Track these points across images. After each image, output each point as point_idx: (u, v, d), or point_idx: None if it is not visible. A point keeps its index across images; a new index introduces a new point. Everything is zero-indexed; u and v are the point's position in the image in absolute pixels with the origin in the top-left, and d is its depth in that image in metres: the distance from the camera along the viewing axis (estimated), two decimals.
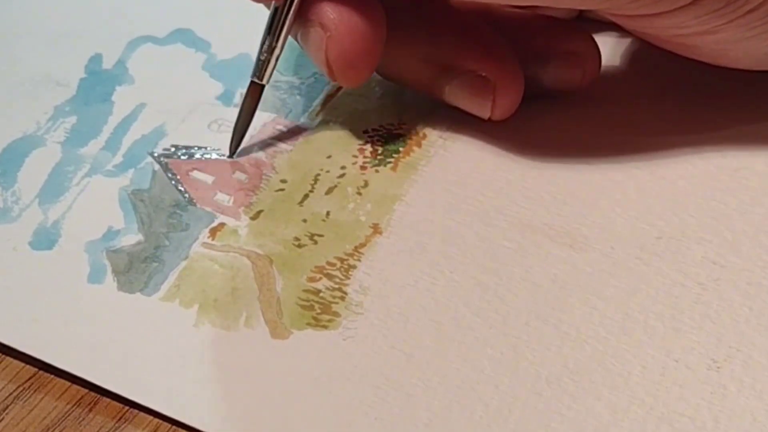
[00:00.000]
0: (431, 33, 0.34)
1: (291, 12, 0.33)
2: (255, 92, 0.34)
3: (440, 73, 0.34)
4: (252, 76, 0.34)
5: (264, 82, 0.34)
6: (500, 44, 0.34)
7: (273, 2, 0.33)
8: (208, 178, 0.34)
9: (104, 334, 0.30)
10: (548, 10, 0.35)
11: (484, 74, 0.34)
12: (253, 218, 0.33)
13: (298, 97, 0.36)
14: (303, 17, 0.33)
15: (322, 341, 0.29)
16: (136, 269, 0.31)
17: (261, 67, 0.34)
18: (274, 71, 0.34)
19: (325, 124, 0.36)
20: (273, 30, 0.33)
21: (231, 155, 0.35)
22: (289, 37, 0.33)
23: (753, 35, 0.31)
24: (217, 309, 0.30)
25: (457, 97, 0.34)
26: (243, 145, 0.35)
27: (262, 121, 0.36)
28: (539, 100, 0.35)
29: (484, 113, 0.34)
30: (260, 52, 0.33)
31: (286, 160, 0.34)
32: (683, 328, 0.29)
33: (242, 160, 0.34)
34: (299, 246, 0.32)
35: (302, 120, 0.36)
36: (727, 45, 0.32)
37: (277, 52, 0.33)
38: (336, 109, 0.36)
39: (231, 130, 0.35)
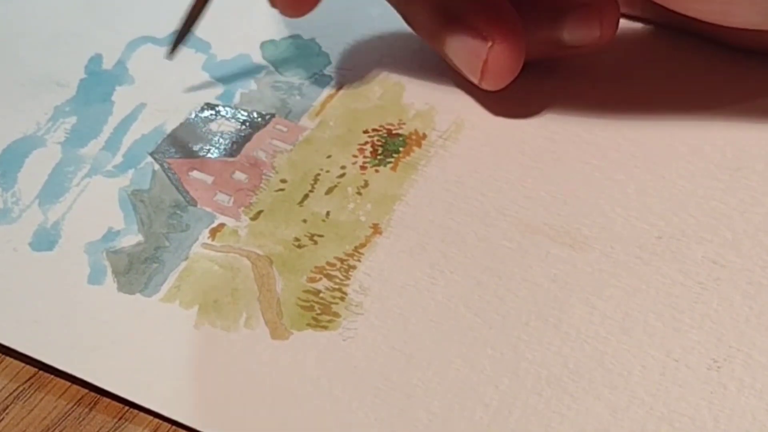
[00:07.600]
0: None
1: None
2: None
3: (445, 25, 0.34)
4: None
5: None
6: (508, 8, 0.34)
7: None
8: (208, 178, 0.34)
9: (104, 335, 0.30)
10: None
11: (484, 33, 0.34)
12: (253, 218, 0.33)
13: (298, 97, 0.36)
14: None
15: (322, 342, 0.29)
16: (136, 270, 0.31)
17: None
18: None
19: (325, 124, 0.36)
20: None
21: (169, 55, 0.36)
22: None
23: None
24: (217, 310, 0.30)
25: (454, 52, 0.34)
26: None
27: (262, 122, 0.36)
28: (539, 99, 0.35)
29: (475, 74, 0.34)
30: None
31: (286, 160, 0.34)
32: (683, 327, 0.29)
33: (242, 160, 0.34)
34: (299, 246, 0.32)
35: (302, 120, 0.36)
36: None
37: None
38: (336, 109, 0.36)
39: (231, 130, 0.35)
